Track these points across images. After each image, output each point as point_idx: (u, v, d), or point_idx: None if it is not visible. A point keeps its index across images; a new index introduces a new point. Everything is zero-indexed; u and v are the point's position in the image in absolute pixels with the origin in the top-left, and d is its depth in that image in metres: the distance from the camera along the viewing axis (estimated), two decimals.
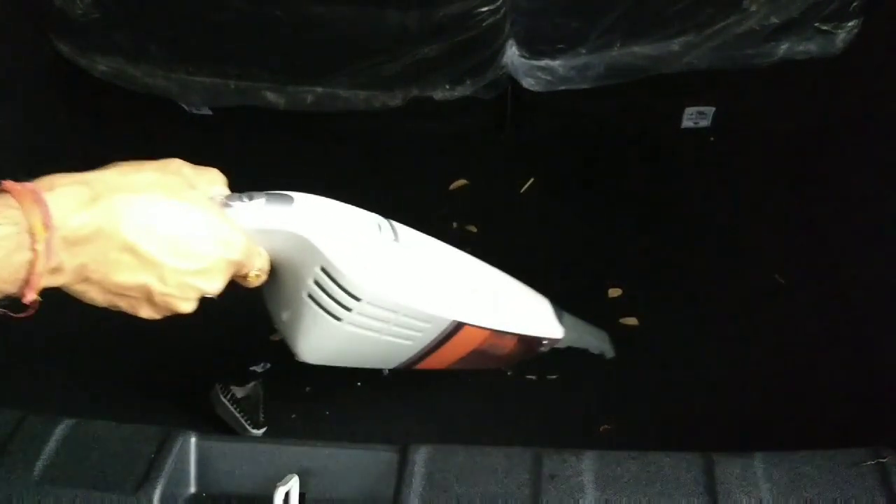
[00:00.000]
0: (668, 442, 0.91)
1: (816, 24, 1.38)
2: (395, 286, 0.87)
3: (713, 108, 1.58)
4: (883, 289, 1.25)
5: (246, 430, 1.17)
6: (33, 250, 0.58)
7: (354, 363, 0.95)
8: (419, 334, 0.93)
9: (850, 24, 1.38)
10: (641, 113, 1.61)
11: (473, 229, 1.50)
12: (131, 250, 0.64)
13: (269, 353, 1.29)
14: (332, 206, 0.85)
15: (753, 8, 1.35)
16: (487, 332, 0.99)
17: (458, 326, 0.94)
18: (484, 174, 1.61)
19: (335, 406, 1.24)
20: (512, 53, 1.46)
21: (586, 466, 0.84)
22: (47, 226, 0.58)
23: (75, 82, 1.60)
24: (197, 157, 1.78)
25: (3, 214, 0.57)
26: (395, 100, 1.53)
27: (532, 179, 1.59)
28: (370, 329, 0.88)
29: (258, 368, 1.28)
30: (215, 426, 1.17)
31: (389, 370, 0.99)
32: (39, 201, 0.59)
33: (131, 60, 1.53)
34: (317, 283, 0.82)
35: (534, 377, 1.26)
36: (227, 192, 0.78)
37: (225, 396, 1.17)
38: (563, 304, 1.36)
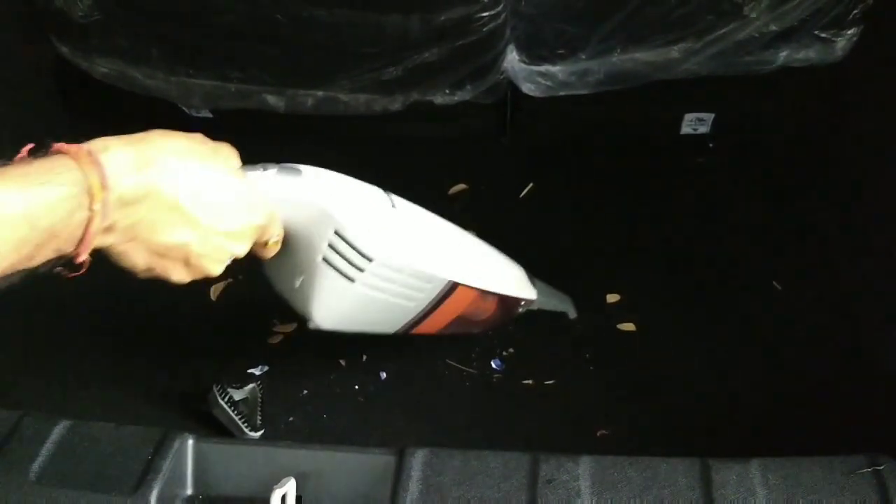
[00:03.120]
0: (665, 447, 0.91)
1: (816, 32, 1.39)
2: (401, 248, 0.94)
3: (712, 115, 1.58)
4: (880, 297, 1.25)
5: (243, 432, 1.17)
6: (91, 210, 0.60)
7: (361, 327, 1.01)
8: (420, 294, 0.99)
9: (849, 31, 1.38)
10: (641, 119, 1.62)
11: (473, 234, 1.50)
12: (178, 210, 0.68)
13: (267, 356, 1.29)
14: (338, 178, 0.92)
15: (753, 15, 1.35)
16: (476, 292, 1.06)
17: (453, 287, 1.01)
18: (483, 179, 1.61)
19: (332, 409, 1.24)
20: (512, 58, 1.46)
21: (583, 471, 0.84)
22: (104, 186, 0.61)
23: (76, 84, 1.60)
24: None
25: (65, 176, 0.59)
26: (396, 104, 1.53)
27: (531, 184, 1.59)
28: (379, 289, 0.94)
29: (256, 371, 1.28)
30: (212, 428, 1.17)
31: (395, 333, 1.06)
32: (96, 163, 0.61)
33: (132, 62, 1.53)
34: (331, 247, 0.88)
35: (531, 382, 1.27)
36: (240, 163, 0.81)
37: (222, 398, 1.17)
38: None
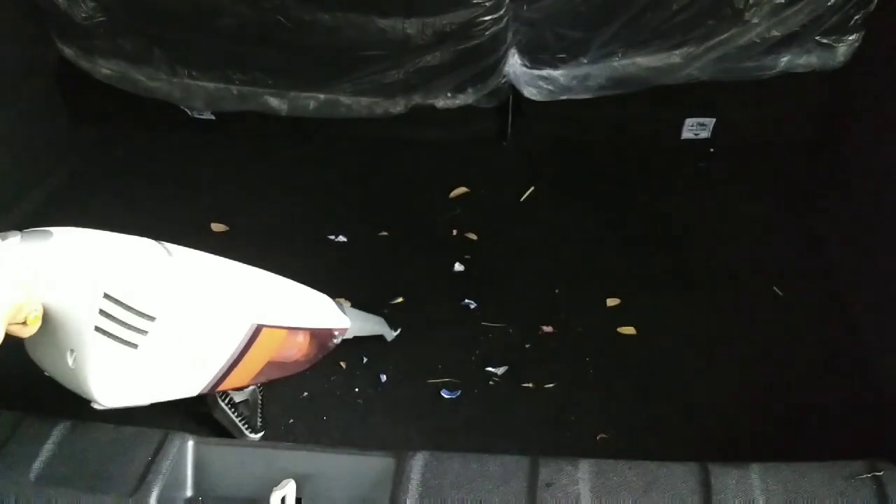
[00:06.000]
0: (665, 451, 0.91)
1: (817, 38, 1.39)
2: (187, 298, 0.83)
3: (713, 120, 1.58)
4: (880, 302, 1.25)
5: (243, 434, 1.17)
6: None
7: (159, 396, 0.88)
8: (220, 346, 0.89)
9: (851, 37, 1.39)
10: (642, 124, 1.62)
11: (473, 237, 1.50)
12: None
13: None
14: (97, 234, 0.80)
15: (755, 20, 1.35)
16: (284, 331, 0.97)
17: (258, 330, 0.91)
18: (484, 182, 1.61)
19: (333, 412, 1.24)
20: (514, 63, 1.46)
21: (582, 475, 0.84)
22: None
23: (79, 85, 1.61)
24: (199, 162, 1.78)
25: None
26: (397, 107, 1.53)
27: (532, 188, 1.59)
28: (169, 351, 0.83)
29: None
30: (213, 430, 1.17)
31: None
32: None
33: (135, 64, 1.54)
34: (103, 313, 0.76)
35: (531, 385, 1.27)
36: None
37: (223, 400, 1.17)
38: (561, 311, 1.37)
